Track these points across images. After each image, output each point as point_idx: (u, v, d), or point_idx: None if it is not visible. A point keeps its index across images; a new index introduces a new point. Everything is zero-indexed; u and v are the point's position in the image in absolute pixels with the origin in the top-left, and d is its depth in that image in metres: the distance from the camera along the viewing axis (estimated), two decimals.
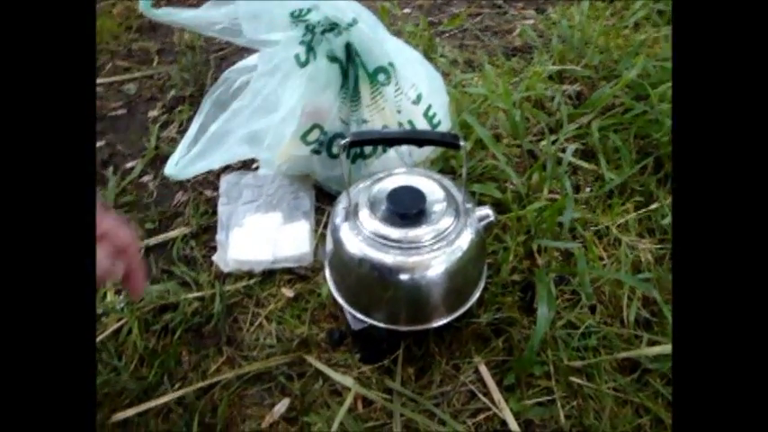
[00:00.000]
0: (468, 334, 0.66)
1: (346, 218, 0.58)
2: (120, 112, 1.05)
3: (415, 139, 0.58)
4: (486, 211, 0.60)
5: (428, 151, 0.82)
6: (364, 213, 0.57)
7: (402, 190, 0.57)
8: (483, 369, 0.64)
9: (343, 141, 0.56)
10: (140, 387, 0.63)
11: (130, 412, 0.61)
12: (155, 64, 1.17)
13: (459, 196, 0.59)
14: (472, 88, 0.96)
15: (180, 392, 0.63)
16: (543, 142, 0.88)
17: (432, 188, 0.58)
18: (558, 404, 0.61)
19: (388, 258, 0.55)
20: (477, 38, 1.21)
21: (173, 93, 1.07)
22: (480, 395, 0.62)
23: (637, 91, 0.94)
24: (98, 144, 0.98)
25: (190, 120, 0.91)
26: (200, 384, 0.64)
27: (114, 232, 0.39)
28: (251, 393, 0.63)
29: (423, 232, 0.55)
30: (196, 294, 0.72)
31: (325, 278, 0.66)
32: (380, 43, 0.74)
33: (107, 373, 0.65)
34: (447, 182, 0.61)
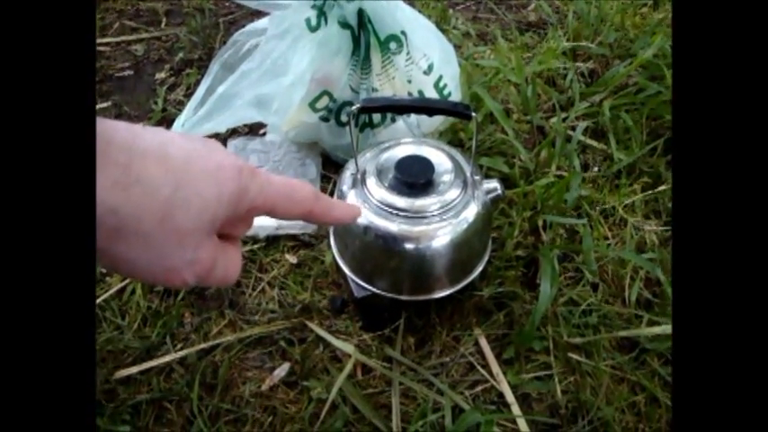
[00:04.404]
0: (470, 306, 0.66)
1: (353, 185, 0.58)
2: (127, 72, 1.04)
3: (425, 107, 0.57)
4: (494, 184, 0.59)
5: (437, 122, 0.81)
6: (371, 181, 0.56)
7: (410, 159, 0.57)
8: (483, 342, 0.64)
9: (353, 107, 0.55)
10: (143, 346, 0.64)
11: (133, 370, 0.62)
12: (163, 25, 1.15)
13: (467, 168, 0.59)
14: (484, 61, 0.95)
15: (182, 353, 0.64)
16: (553, 119, 0.87)
17: (440, 159, 0.58)
18: (556, 379, 0.61)
19: (394, 227, 0.55)
20: (492, 11, 1.19)
21: (181, 55, 1.06)
22: (479, 367, 0.63)
23: (651, 71, 0.92)
24: (105, 105, 0.98)
25: (197, 83, 0.89)
26: (202, 346, 0.64)
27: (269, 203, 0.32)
28: (252, 356, 0.64)
29: (429, 202, 0.55)
30: None
31: (329, 245, 0.66)
32: (393, 11, 0.73)
33: (110, 332, 0.65)
34: (456, 153, 0.60)
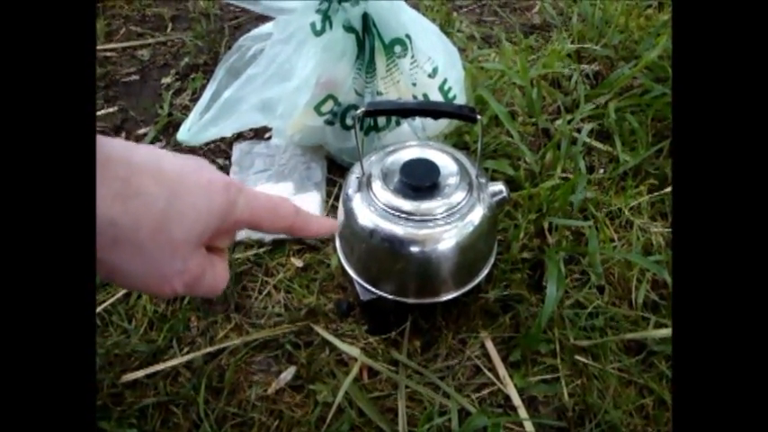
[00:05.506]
0: (476, 309, 0.66)
1: (359, 188, 0.58)
2: (133, 77, 1.05)
3: (431, 110, 0.57)
4: (499, 186, 0.59)
5: (442, 126, 0.81)
6: (377, 184, 0.56)
7: (416, 162, 0.57)
8: (489, 344, 0.64)
9: (358, 111, 0.55)
10: (150, 350, 0.64)
11: (140, 374, 0.62)
12: (168, 30, 1.16)
13: (472, 171, 0.58)
14: (489, 64, 0.95)
15: (188, 356, 0.64)
16: (559, 121, 0.87)
17: (445, 161, 0.58)
18: (563, 382, 0.61)
19: (400, 230, 0.55)
20: (496, 14, 1.19)
21: (186, 60, 1.06)
22: (485, 370, 0.62)
23: (656, 73, 0.92)
24: (111, 110, 0.98)
25: (203, 87, 0.90)
26: (208, 349, 0.64)
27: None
28: (258, 360, 0.64)
29: (435, 205, 0.55)
30: None
31: (334, 249, 0.66)
32: (397, 15, 0.73)
33: (117, 336, 0.66)
34: (461, 156, 0.60)
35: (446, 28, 1.08)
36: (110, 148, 0.27)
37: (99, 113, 0.97)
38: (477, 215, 0.56)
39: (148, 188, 0.28)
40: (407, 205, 0.55)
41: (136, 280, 0.30)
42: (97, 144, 0.26)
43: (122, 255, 0.28)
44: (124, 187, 0.27)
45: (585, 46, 1.02)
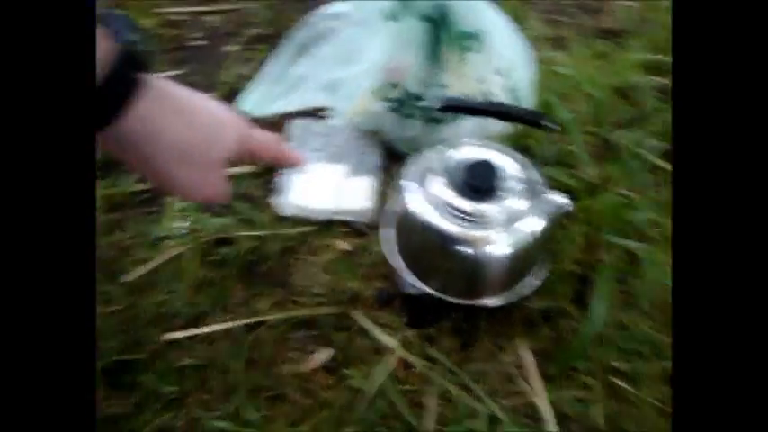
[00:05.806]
0: (518, 317, 0.65)
1: (417, 181, 0.57)
2: (199, 43, 1.06)
3: (507, 113, 0.56)
4: (565, 199, 0.57)
5: (503, 126, 0.79)
6: (437, 180, 0.56)
7: (479, 163, 0.56)
8: (526, 354, 0.63)
9: (434, 104, 0.55)
10: (192, 312, 0.66)
11: (179, 335, 0.64)
12: None
13: (537, 179, 0.57)
14: (558, 67, 0.92)
15: (228, 324, 0.65)
16: (624, 134, 0.84)
17: (510, 166, 0.57)
18: (600, 405, 0.60)
19: (454, 229, 0.54)
20: (570, 15, 1.15)
21: (255, 30, 1.07)
22: (520, 379, 0.62)
23: None
24: (175, 72, 1.00)
25: (268, 59, 0.90)
26: (248, 320, 0.65)
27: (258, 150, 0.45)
28: (295, 337, 0.65)
29: (495, 209, 0.54)
30: (253, 233, 0.74)
31: (383, 237, 0.66)
32: (474, 9, 0.72)
33: (163, 294, 0.67)
34: (526, 162, 0.59)
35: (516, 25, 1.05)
36: (173, 87, 0.39)
37: (163, 76, 0.99)
38: (536, 225, 0.55)
39: (200, 120, 0.39)
40: (466, 205, 0.54)
41: (185, 187, 0.41)
42: (164, 85, 0.38)
43: (180, 168, 0.39)
44: (187, 119, 0.38)
45: (660, 57, 0.97)
